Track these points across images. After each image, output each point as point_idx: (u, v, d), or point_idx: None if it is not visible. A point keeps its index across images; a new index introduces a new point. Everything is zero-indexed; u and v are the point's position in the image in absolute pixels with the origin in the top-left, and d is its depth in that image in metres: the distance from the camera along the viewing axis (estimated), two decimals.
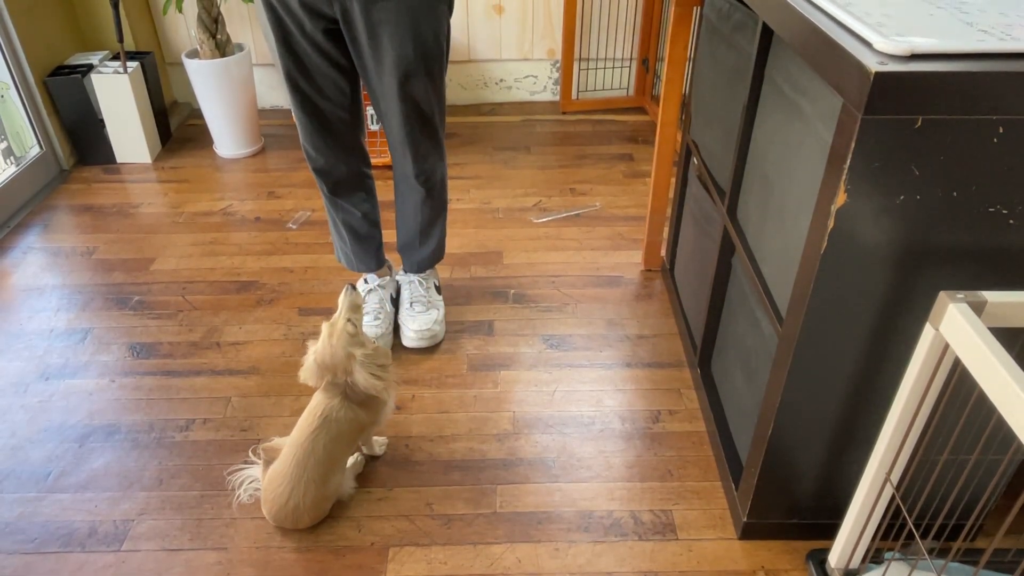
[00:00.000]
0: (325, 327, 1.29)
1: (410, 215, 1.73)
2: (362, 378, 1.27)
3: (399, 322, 1.78)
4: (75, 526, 1.33)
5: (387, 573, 1.25)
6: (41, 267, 2.06)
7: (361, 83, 1.55)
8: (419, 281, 1.81)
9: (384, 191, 2.21)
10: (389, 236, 1.92)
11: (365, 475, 1.42)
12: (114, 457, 1.47)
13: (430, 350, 1.75)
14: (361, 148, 1.65)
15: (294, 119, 1.61)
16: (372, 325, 1.71)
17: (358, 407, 1.31)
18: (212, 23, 2.50)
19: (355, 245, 1.75)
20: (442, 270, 2.02)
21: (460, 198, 2.39)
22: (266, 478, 1.30)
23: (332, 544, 1.30)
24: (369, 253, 1.77)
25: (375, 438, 1.45)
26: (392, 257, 1.92)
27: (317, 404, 1.31)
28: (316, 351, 1.30)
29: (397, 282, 1.86)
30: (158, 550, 1.29)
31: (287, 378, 1.67)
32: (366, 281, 1.81)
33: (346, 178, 1.64)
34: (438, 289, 1.85)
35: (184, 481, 1.42)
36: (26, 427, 1.54)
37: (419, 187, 1.65)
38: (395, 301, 1.83)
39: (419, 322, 1.73)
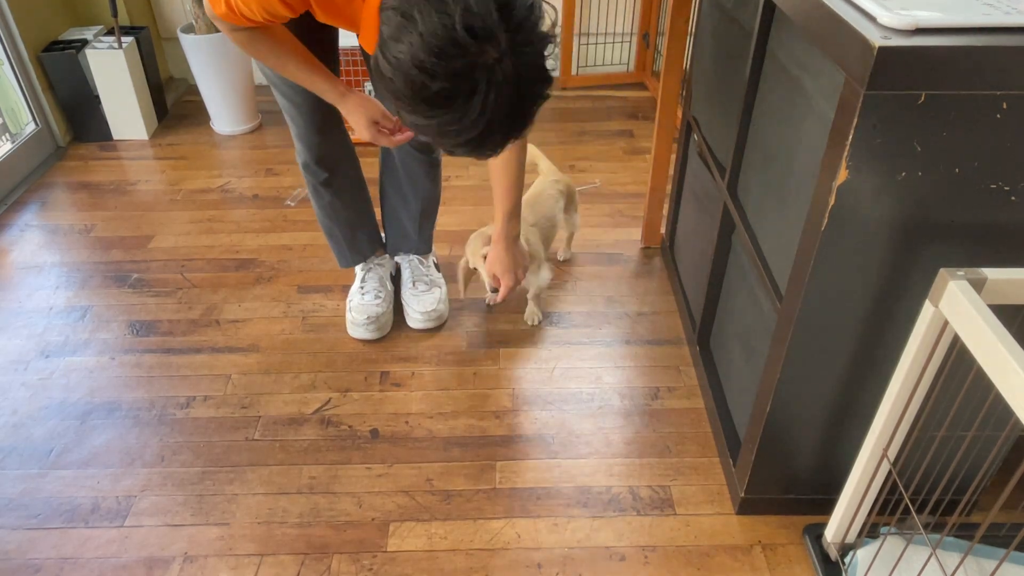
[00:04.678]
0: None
1: (419, 187, 1.70)
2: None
3: (402, 301, 1.77)
4: (78, 502, 1.34)
5: (388, 548, 1.27)
6: (39, 245, 2.06)
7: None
8: (419, 260, 1.81)
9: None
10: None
11: (364, 451, 1.43)
12: (115, 434, 1.48)
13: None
14: None
15: (291, 114, 1.52)
16: (374, 304, 1.71)
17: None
18: None
19: (363, 231, 1.71)
20: (440, 248, 2.02)
21: (459, 175, 2.38)
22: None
23: (333, 520, 1.31)
24: (376, 235, 1.75)
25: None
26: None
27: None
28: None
29: (396, 262, 1.85)
30: (160, 525, 1.30)
31: (287, 355, 1.67)
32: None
33: (343, 152, 1.58)
34: (437, 267, 1.84)
35: (185, 457, 1.43)
36: (27, 404, 1.54)
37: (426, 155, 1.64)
38: (393, 280, 1.82)
39: (424, 303, 1.73)
